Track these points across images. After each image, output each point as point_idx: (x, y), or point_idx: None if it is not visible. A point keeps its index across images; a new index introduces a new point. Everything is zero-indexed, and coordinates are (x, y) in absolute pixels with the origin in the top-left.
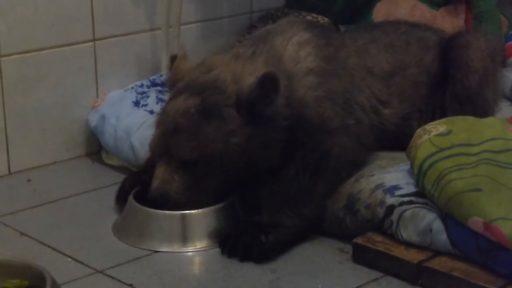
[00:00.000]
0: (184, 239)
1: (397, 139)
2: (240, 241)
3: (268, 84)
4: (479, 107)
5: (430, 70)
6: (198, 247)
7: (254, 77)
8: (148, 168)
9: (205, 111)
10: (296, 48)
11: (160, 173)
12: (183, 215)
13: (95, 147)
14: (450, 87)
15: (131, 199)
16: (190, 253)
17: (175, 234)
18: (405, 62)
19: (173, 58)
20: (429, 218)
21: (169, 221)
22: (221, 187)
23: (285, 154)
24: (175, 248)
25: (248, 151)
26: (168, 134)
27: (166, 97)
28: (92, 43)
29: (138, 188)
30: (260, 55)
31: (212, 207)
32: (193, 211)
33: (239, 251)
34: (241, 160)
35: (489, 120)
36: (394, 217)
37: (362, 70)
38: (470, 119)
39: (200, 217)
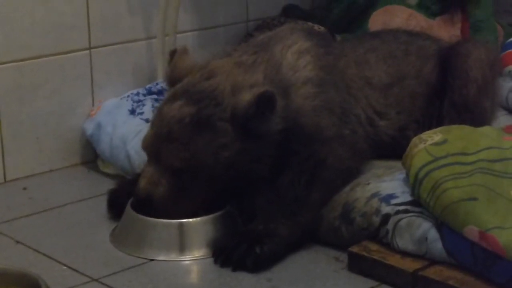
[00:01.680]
0: (182, 248)
1: (394, 150)
2: (235, 252)
3: (264, 103)
4: (477, 116)
5: (429, 81)
6: (196, 256)
7: (252, 94)
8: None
9: (199, 122)
10: (295, 56)
11: (148, 174)
12: (181, 223)
13: (91, 155)
14: (449, 95)
15: (128, 208)
16: (187, 262)
17: (173, 243)
18: (404, 73)
19: (172, 53)
20: (425, 227)
21: (167, 230)
22: (207, 196)
23: (280, 163)
24: (173, 257)
25: (238, 165)
26: (161, 138)
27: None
28: (88, 51)
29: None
30: (260, 64)
31: (211, 216)
32: (191, 220)
33: (233, 262)
34: (229, 173)
35: (485, 129)
36: (390, 225)
37: (360, 80)
38: (466, 128)
39: (198, 226)
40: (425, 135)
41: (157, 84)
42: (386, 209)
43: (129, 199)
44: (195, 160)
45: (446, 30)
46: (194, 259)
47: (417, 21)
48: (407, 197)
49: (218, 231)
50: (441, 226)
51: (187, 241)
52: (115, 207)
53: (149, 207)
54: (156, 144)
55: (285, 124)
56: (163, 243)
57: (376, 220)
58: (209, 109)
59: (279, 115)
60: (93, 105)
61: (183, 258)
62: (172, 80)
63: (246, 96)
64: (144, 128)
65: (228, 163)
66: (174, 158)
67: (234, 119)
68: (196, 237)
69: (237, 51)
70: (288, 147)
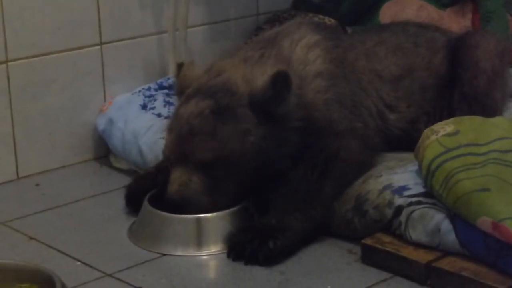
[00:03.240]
0: (199, 243)
1: (405, 143)
2: (248, 247)
3: (280, 82)
4: (488, 107)
5: (438, 73)
6: (213, 250)
7: (266, 77)
8: (156, 171)
9: (219, 111)
10: (304, 50)
11: (177, 177)
12: (198, 219)
13: (103, 150)
14: (459, 87)
15: (146, 204)
16: (201, 257)
17: (190, 238)
18: (414, 65)
19: (179, 66)
20: (438, 218)
21: (184, 225)
22: (239, 189)
23: (293, 157)
24: (190, 252)
25: (264, 151)
26: (183, 137)
27: (173, 100)
28: (99, 47)
29: (153, 191)
30: (268, 58)
31: (227, 211)
32: (208, 215)
33: (245, 256)
34: (258, 161)
35: (496, 119)
36: (403, 217)
37: (370, 73)
38: (478, 119)
39: (215, 220)
40: (437, 126)
41: (168, 78)
42: (399, 201)
43: (146, 194)
44: (223, 149)
45: (456, 21)
46: (211, 254)
47: (428, 12)
48: (420, 189)
49: (235, 226)
50: (454, 217)
51: (204, 236)
52: (133, 203)
53: (186, 208)
54: (179, 145)
55: (301, 113)
56: (181, 238)
57: (389, 212)
58: (226, 98)
59: (295, 94)
60: (104, 100)
61: (200, 253)
62: (181, 91)
63: (261, 81)
64: (156, 123)
65: (255, 150)
66: (202, 151)
67: (253, 104)
68: (213, 232)
69: (243, 49)
70: (302, 141)
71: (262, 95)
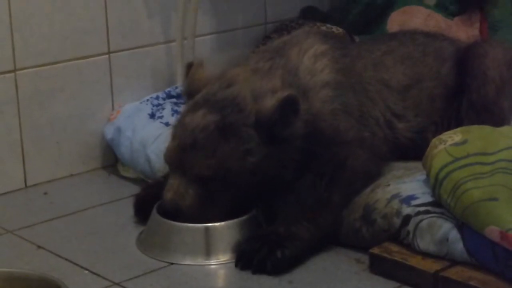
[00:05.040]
0: (208, 252)
1: (413, 152)
2: (256, 256)
3: (288, 107)
4: (496, 116)
5: (447, 82)
6: (222, 260)
7: (275, 98)
8: (164, 180)
9: (224, 129)
10: (312, 60)
11: (174, 186)
12: (207, 228)
13: (111, 159)
14: (467, 96)
15: (154, 212)
16: (210, 266)
17: (199, 247)
18: (422, 75)
19: (189, 66)
20: (446, 228)
21: (192, 234)
22: (234, 203)
23: (300, 166)
24: (199, 261)
25: (264, 170)
26: (185, 148)
27: (181, 108)
28: (107, 56)
29: (162, 200)
30: (277, 69)
31: (236, 220)
32: (216, 224)
33: (253, 265)
34: (256, 178)
35: (504, 129)
36: (411, 227)
37: (378, 83)
38: (486, 128)
39: (223, 230)
40: (444, 135)
41: (176, 87)
42: (406, 210)
43: (155, 203)
44: (222, 168)
45: (464, 30)
46: (219, 263)
47: (436, 21)
48: (428, 198)
49: (243, 235)
50: (462, 226)
51: (212, 245)
52: (142, 212)
53: (178, 218)
54: (180, 155)
55: (307, 129)
56: (189, 247)
57: (397, 221)
58: (233, 116)
59: (302, 118)
60: (112, 109)
61: (208, 262)
62: (190, 92)
63: (269, 101)
64: (164, 132)
65: (254, 169)
66: (201, 167)
67: (258, 125)
68: (221, 241)
69: (252, 58)
70: (309, 150)
71: (269, 118)
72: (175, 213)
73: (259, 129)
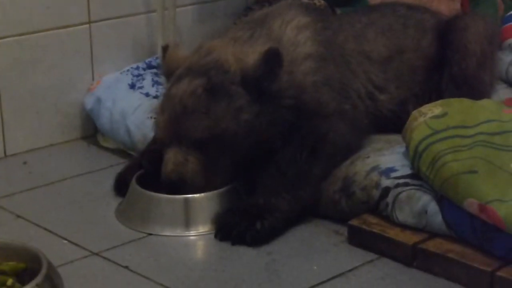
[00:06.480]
0: (187, 223)
1: (394, 124)
2: (235, 228)
3: (272, 59)
4: (476, 90)
5: (427, 54)
6: (201, 231)
7: (257, 53)
8: (147, 152)
9: (212, 90)
10: (294, 32)
11: (172, 157)
12: (186, 199)
13: (90, 130)
14: (447, 69)
15: (133, 183)
16: (189, 237)
17: (178, 218)
18: (403, 46)
19: (165, 48)
20: (425, 200)
21: (172, 205)
22: (234, 168)
23: (283, 137)
24: (178, 232)
25: (258, 129)
26: (177, 117)
27: (162, 80)
28: (87, 25)
29: (141, 172)
30: (258, 38)
31: (215, 192)
32: (196, 195)
33: (233, 237)
34: (251, 138)
35: (484, 102)
36: (390, 199)
37: (359, 55)
38: (466, 101)
39: (203, 201)
40: (424, 108)
41: (156, 58)
42: (386, 182)
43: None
44: (218, 128)
45: (445, 4)
46: (198, 234)
47: None
48: (407, 171)
49: (223, 207)
50: (441, 199)
51: (192, 216)
52: (123, 190)
53: (183, 187)
54: (173, 125)
55: (293, 91)
56: (168, 218)
57: (376, 193)
58: (219, 76)
59: (286, 72)
60: (93, 79)
61: (188, 233)
62: (169, 72)
63: (253, 58)
64: (144, 102)
65: (249, 127)
66: (196, 130)
67: (245, 81)
68: (201, 212)
69: (232, 30)
70: (291, 122)
71: (254, 72)
72: (180, 184)
73: (246, 85)
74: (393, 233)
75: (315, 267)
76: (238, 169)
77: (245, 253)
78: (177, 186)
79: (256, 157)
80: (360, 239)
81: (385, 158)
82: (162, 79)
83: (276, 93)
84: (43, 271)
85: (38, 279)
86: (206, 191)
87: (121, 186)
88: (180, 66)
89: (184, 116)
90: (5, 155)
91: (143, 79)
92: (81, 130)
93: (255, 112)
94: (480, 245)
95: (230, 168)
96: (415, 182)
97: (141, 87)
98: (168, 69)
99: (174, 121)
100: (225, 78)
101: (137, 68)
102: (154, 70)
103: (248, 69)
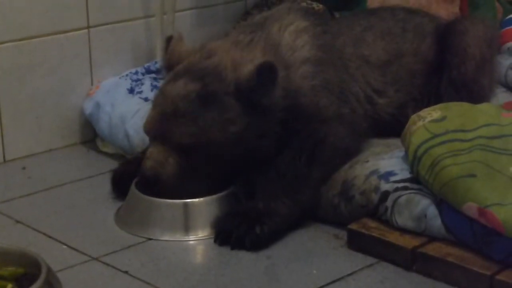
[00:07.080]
0: (187, 228)
1: (392, 128)
2: (235, 232)
3: (265, 73)
4: (475, 94)
5: (427, 58)
6: (200, 235)
7: (252, 65)
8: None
9: (205, 97)
10: (293, 36)
11: (154, 154)
12: (185, 204)
13: (90, 134)
14: (447, 73)
15: (133, 188)
16: (188, 241)
17: (178, 223)
18: (402, 50)
19: (168, 40)
20: (424, 204)
21: (171, 210)
22: (214, 175)
23: (280, 142)
24: (177, 237)
25: (245, 141)
26: (167, 116)
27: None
28: (86, 30)
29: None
30: (258, 42)
31: (215, 196)
32: (195, 200)
33: (232, 242)
34: (237, 149)
35: (483, 106)
36: (389, 203)
37: (358, 59)
38: (465, 105)
39: (202, 206)
40: (423, 112)
41: (155, 62)
42: (385, 186)
43: (132, 179)
44: (204, 136)
45: (445, 7)
46: (198, 239)
47: None
48: (406, 174)
49: (222, 211)
50: (440, 203)
51: (191, 221)
52: (119, 187)
53: (156, 186)
54: (161, 124)
55: (287, 102)
56: (168, 223)
57: (375, 197)
58: (214, 84)
59: (281, 88)
60: (92, 84)
61: (187, 238)
62: (170, 65)
63: (247, 69)
64: (143, 107)
65: (236, 139)
66: (182, 135)
67: (238, 92)
68: (200, 217)
69: (233, 32)
70: (289, 126)
71: (247, 84)
72: (155, 182)
73: (238, 97)
74: (393, 237)
75: (314, 271)
76: (227, 175)
77: (244, 257)
78: (151, 183)
79: (251, 162)
80: (359, 243)
81: (384, 162)
82: (160, 83)
83: (268, 107)
84: (43, 276)
85: (38, 284)
86: (180, 194)
87: (117, 183)
88: (181, 61)
89: (173, 118)
90: (4, 160)
91: (142, 83)
92: (80, 135)
93: (245, 124)
94: (480, 249)
95: (211, 175)
96: (414, 186)
97: (140, 92)
98: (169, 62)
99: (162, 120)
100: (220, 87)
101: (136, 73)
102: (153, 75)
103: (242, 81)
